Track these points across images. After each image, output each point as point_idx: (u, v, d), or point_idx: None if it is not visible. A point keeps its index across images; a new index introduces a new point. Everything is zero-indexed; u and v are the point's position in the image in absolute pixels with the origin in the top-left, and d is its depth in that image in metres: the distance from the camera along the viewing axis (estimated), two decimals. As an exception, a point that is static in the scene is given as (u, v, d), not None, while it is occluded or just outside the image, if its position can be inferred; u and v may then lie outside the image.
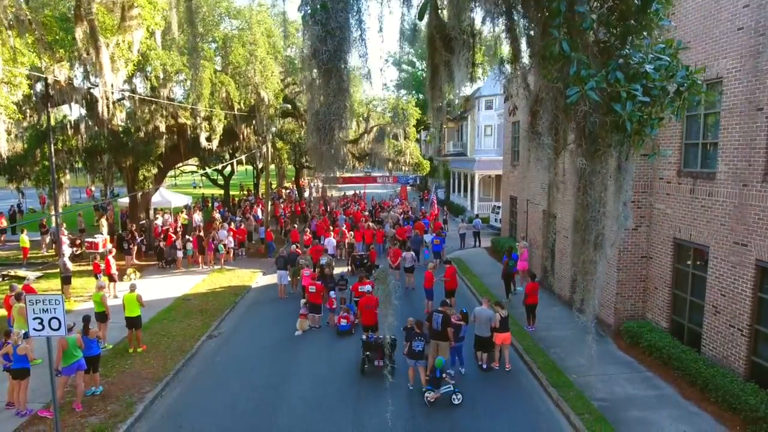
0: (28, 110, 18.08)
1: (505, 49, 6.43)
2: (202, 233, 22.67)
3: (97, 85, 17.63)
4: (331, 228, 24.36)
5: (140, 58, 17.64)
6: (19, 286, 13.38)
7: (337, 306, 15.01)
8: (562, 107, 5.22)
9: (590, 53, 4.92)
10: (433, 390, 10.03)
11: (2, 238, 26.48)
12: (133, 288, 12.61)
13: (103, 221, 26.63)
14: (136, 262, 21.48)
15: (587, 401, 9.87)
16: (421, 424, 9.41)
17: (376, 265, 18.26)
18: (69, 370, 9.60)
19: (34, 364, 10.06)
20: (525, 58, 5.84)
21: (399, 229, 24.56)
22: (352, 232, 23.71)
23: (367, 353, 11.53)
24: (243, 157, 30.07)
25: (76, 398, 9.74)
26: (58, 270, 17.99)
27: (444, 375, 10.08)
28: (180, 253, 21.47)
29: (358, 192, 44.42)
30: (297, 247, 19.59)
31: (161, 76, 19.24)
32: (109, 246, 20.21)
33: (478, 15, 5.86)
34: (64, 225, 22.18)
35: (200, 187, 57.25)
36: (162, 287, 18.43)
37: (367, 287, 13.81)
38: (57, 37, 15.76)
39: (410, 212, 32.03)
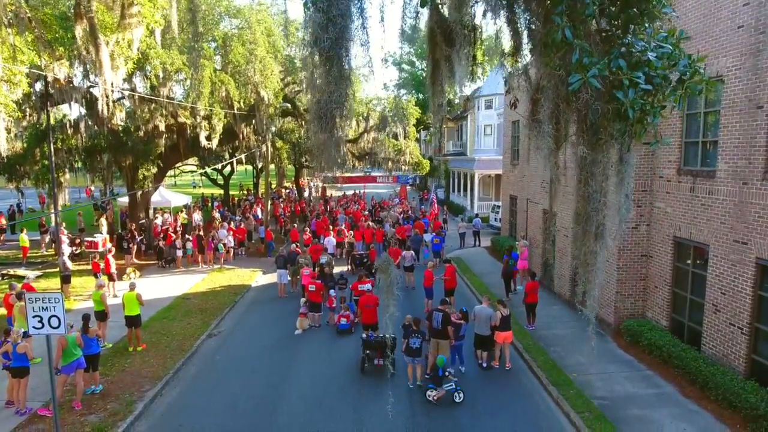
0: (27, 109, 18.06)
1: (506, 43, 6.42)
2: (201, 233, 22.67)
3: (96, 84, 17.62)
4: (331, 227, 24.36)
5: (140, 56, 17.62)
6: (18, 285, 13.37)
7: (337, 305, 15.00)
8: (563, 96, 5.19)
9: (592, 42, 4.90)
10: (435, 388, 10.03)
11: (2, 238, 26.46)
12: (132, 286, 12.60)
13: (103, 220, 26.63)
14: (136, 261, 21.46)
15: (587, 399, 9.86)
16: (421, 423, 9.40)
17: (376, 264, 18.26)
18: (68, 369, 9.58)
19: (33, 363, 10.04)
20: (526, 50, 5.82)
21: (399, 229, 24.56)
22: (351, 232, 23.71)
23: (367, 352, 11.53)
24: (243, 157, 30.05)
25: (76, 397, 9.73)
26: (57, 269, 17.98)
27: (447, 373, 10.09)
28: (180, 253, 21.46)
29: (357, 192, 44.43)
30: (297, 246, 19.59)
31: (161, 75, 19.21)
32: (109, 245, 20.19)
33: (479, 8, 5.86)
34: (64, 224, 22.14)
35: (200, 186, 57.24)
36: (162, 286, 18.42)
37: (367, 286, 13.81)
38: (57, 35, 15.74)
39: (410, 211, 32.03)
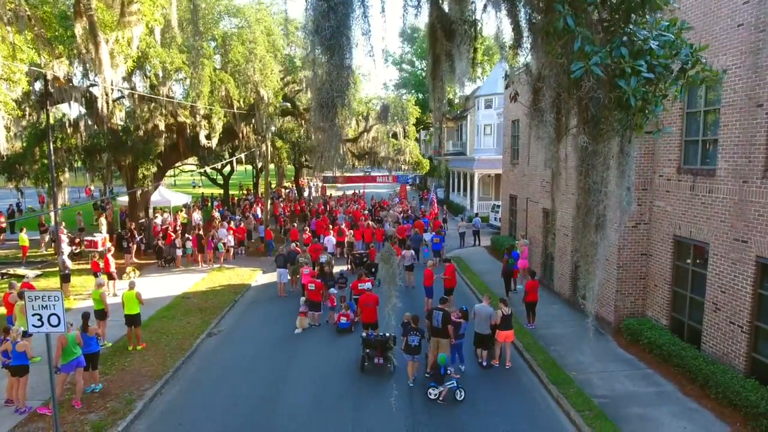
0: (27, 108, 18.04)
1: (507, 35, 6.39)
2: (201, 232, 22.66)
3: (96, 84, 17.61)
4: (331, 226, 24.36)
5: (140, 55, 17.60)
6: (18, 284, 13.35)
7: (337, 304, 15.00)
8: (565, 85, 5.17)
9: (594, 31, 4.88)
10: (437, 386, 10.03)
11: (1, 237, 26.42)
12: (132, 285, 12.59)
13: (102, 220, 26.58)
14: (136, 260, 21.44)
15: (587, 398, 9.86)
16: (421, 421, 9.40)
17: (376, 263, 18.26)
18: (68, 368, 9.56)
19: (33, 362, 10.03)
20: (527, 42, 5.79)
21: (399, 228, 24.55)
22: (351, 231, 23.71)
23: (367, 351, 11.52)
24: (242, 156, 30.03)
25: (76, 395, 9.72)
26: (57, 268, 17.95)
27: (449, 371, 10.09)
28: (179, 252, 21.44)
29: (357, 191, 44.43)
30: (296, 245, 19.59)
31: (160, 74, 19.21)
32: (109, 245, 20.18)
33: (479, 2, 5.84)
34: (63, 224, 22.13)
35: (199, 186, 57.22)
36: (161, 286, 18.40)
37: (367, 285, 13.80)
38: (56, 34, 15.73)
39: (410, 211, 32.04)
